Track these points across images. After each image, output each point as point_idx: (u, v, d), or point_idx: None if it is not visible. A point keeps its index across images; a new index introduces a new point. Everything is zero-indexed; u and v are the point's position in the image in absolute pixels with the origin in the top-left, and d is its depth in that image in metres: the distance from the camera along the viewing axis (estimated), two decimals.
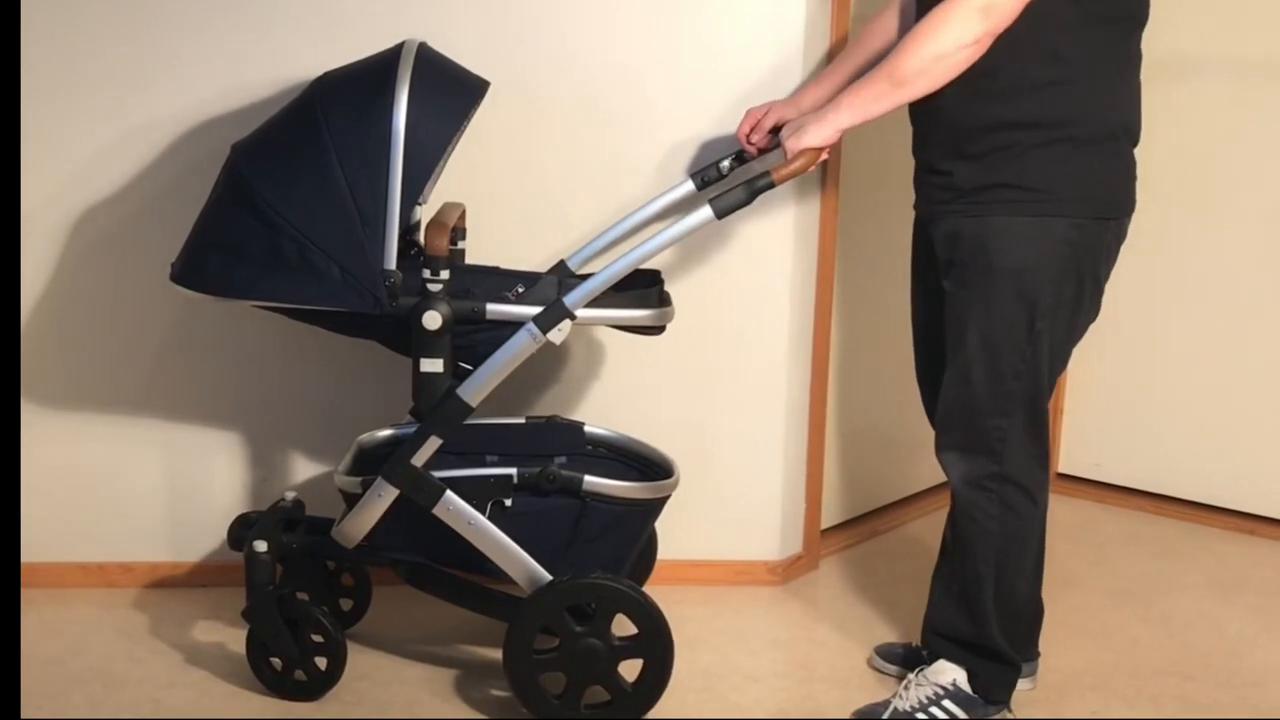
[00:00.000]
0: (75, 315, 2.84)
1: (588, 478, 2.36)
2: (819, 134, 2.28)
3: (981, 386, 2.34)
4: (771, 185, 2.32)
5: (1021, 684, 2.56)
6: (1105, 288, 2.43)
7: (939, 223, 2.36)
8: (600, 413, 2.87)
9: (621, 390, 2.92)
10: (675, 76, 2.80)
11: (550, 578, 2.37)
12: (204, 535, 2.94)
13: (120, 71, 2.73)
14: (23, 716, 2.42)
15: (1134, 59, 2.30)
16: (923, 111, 2.33)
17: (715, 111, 2.79)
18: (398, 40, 2.39)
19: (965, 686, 2.46)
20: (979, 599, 2.43)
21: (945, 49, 2.17)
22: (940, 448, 2.42)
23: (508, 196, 2.79)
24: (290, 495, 2.60)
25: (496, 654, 2.68)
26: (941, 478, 2.46)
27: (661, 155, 2.81)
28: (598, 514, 2.38)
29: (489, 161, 2.75)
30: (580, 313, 2.31)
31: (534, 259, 2.72)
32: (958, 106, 2.24)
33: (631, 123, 2.81)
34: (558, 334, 2.31)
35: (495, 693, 2.55)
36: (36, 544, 2.86)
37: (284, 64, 2.69)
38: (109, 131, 2.75)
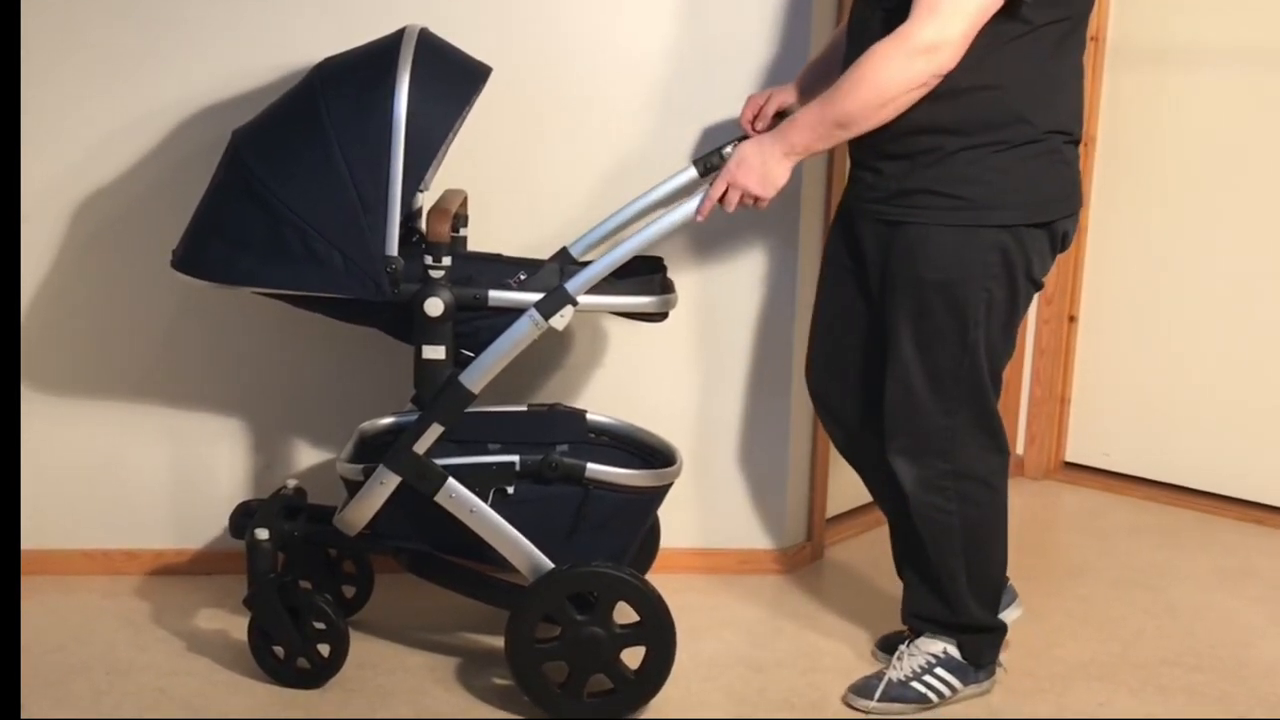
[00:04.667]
0: (77, 303, 2.83)
1: (590, 465, 2.35)
2: (751, 178, 2.26)
3: (922, 392, 2.35)
4: None
5: (1012, 613, 2.58)
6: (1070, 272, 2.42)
7: (868, 220, 2.35)
8: (603, 401, 2.86)
9: (625, 378, 2.91)
10: (677, 62, 2.78)
11: (552, 566, 2.36)
12: (207, 522, 2.93)
13: (120, 58, 2.72)
14: (24, 704, 2.42)
15: (1072, 54, 2.25)
16: None
17: (717, 98, 2.77)
18: (398, 27, 2.38)
19: (956, 654, 2.49)
20: (953, 587, 2.45)
21: (890, 93, 2.14)
22: (889, 452, 2.42)
23: (509, 183, 2.78)
24: (292, 483, 2.59)
25: (498, 642, 2.67)
26: None
27: (663, 142, 2.79)
28: (601, 502, 2.37)
29: (490, 148, 2.74)
30: (582, 299, 2.30)
31: (535, 246, 2.70)
32: None
33: (633, 109, 2.79)
34: (560, 320, 2.30)
35: (497, 681, 2.55)
36: (39, 531, 2.86)
37: (284, 50, 2.68)
38: (109, 119, 2.74)
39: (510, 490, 2.36)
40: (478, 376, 2.32)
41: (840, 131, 2.20)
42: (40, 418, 2.85)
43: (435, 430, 2.34)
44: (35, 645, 2.63)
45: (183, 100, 2.73)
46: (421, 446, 2.34)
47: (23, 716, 2.38)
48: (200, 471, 2.91)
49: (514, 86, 2.66)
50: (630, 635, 2.37)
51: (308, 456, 2.92)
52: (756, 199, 2.29)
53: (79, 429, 2.88)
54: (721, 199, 2.30)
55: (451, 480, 2.34)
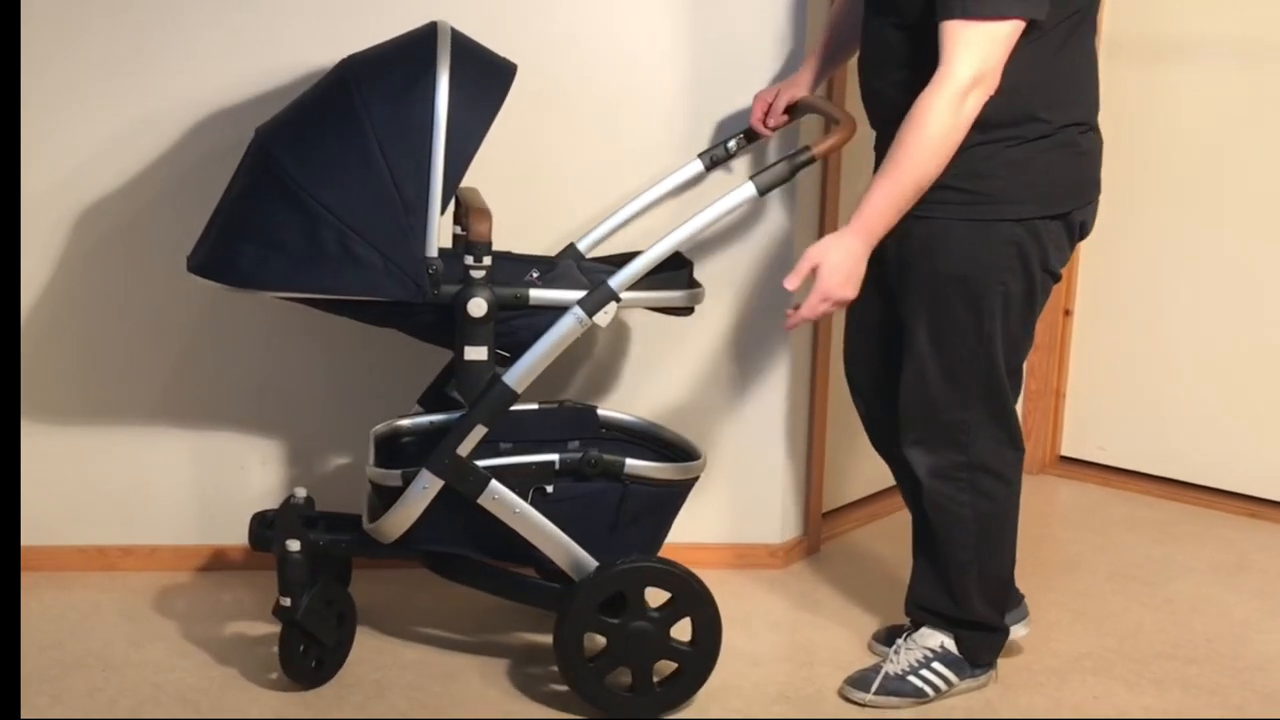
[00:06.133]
0: (79, 305, 2.81)
1: (629, 461, 2.33)
2: (846, 287, 2.19)
3: (937, 384, 2.35)
4: (812, 160, 2.35)
5: (1019, 630, 2.59)
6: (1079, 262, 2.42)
7: None
8: (602, 397, 2.87)
9: (622, 374, 2.91)
10: (677, 56, 2.77)
11: (596, 563, 2.34)
12: (204, 519, 2.93)
13: (126, 57, 2.69)
14: (22, 699, 2.42)
15: (1083, 45, 2.25)
16: (876, 113, 2.35)
17: (720, 91, 2.77)
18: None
19: (953, 649, 2.50)
20: (962, 582, 2.46)
21: (954, 139, 2.12)
22: (905, 443, 2.43)
23: (508, 180, 2.76)
24: (301, 492, 2.57)
25: (495, 637, 2.69)
26: None
27: (666, 136, 2.79)
28: (638, 497, 2.36)
29: (490, 145, 2.71)
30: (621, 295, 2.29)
31: (538, 243, 2.69)
32: (898, 111, 2.19)
33: (634, 104, 2.78)
34: (604, 317, 2.28)
35: (495, 674, 2.55)
36: (36, 527, 2.85)
37: (295, 50, 2.65)
38: (115, 120, 2.72)
39: (549, 489, 2.34)
40: (521, 375, 2.29)
41: (918, 194, 2.16)
42: (38, 415, 2.84)
43: (479, 431, 2.29)
44: (32, 641, 2.63)
45: (192, 100, 2.71)
46: (465, 449, 2.29)
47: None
48: (198, 469, 2.91)
49: (514, 83, 2.64)
50: (678, 649, 2.39)
51: (306, 459, 2.92)
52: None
53: (76, 426, 2.87)
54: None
55: (495, 481, 2.30)
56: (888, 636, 2.65)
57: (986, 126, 2.18)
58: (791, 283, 2.19)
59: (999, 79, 2.12)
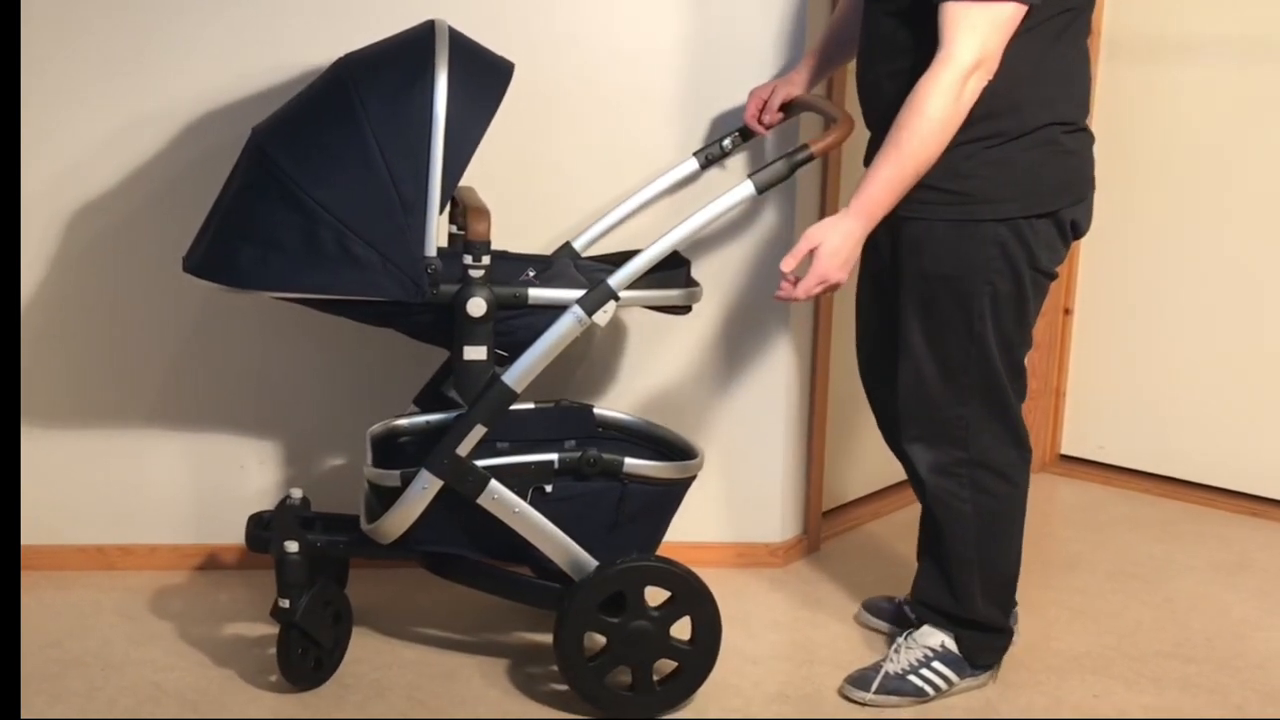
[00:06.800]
0: (78, 303, 2.82)
1: (628, 460, 2.33)
2: (842, 271, 2.19)
3: (934, 382, 2.35)
4: (811, 158, 2.34)
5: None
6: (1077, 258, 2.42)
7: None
8: (599, 395, 2.87)
9: (620, 372, 2.91)
10: (677, 56, 2.77)
11: (596, 563, 2.34)
12: (202, 518, 2.93)
13: (123, 57, 2.69)
14: (22, 698, 2.42)
15: (1074, 44, 2.25)
16: (871, 109, 2.35)
17: (716, 89, 2.77)
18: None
19: (954, 648, 2.49)
20: (963, 579, 2.46)
21: (955, 121, 2.13)
22: (906, 439, 2.43)
23: (507, 180, 2.77)
24: (297, 493, 2.57)
25: (494, 636, 2.68)
26: None
27: (665, 136, 2.79)
28: (637, 496, 2.36)
29: (488, 144, 2.71)
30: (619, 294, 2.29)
31: (537, 242, 2.69)
32: (894, 107, 2.19)
33: (633, 104, 2.78)
34: (603, 316, 2.28)
35: (495, 674, 2.55)
36: (35, 526, 2.86)
37: (293, 50, 2.65)
38: (115, 118, 2.72)
39: (548, 489, 2.33)
40: (521, 375, 2.28)
41: (917, 178, 2.17)
42: (38, 415, 2.85)
43: (479, 431, 2.28)
44: (31, 641, 2.63)
45: (190, 99, 2.70)
46: (464, 449, 2.28)
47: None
48: (195, 468, 2.91)
49: (513, 82, 2.64)
50: (678, 648, 2.38)
51: (303, 459, 2.92)
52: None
53: (74, 426, 2.87)
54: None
55: (494, 481, 2.29)
56: (875, 606, 2.66)
57: (968, 123, 2.17)
58: (788, 264, 2.21)
59: (998, 64, 2.11)
